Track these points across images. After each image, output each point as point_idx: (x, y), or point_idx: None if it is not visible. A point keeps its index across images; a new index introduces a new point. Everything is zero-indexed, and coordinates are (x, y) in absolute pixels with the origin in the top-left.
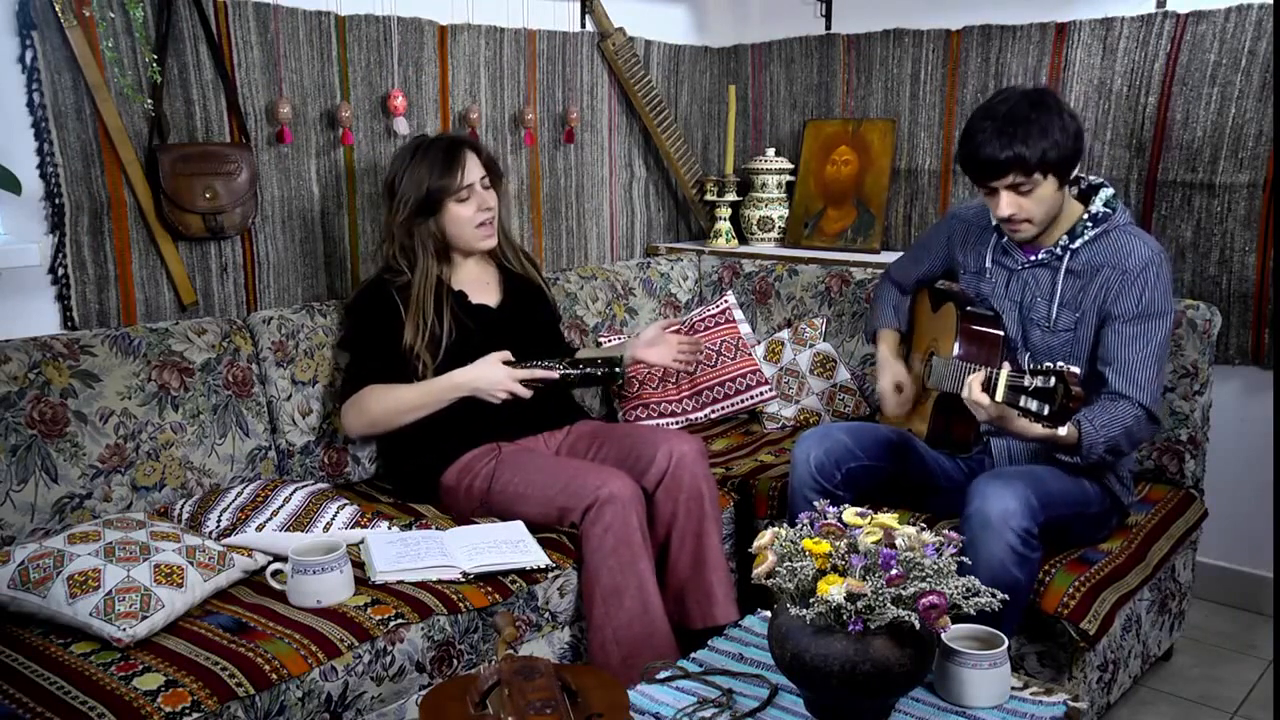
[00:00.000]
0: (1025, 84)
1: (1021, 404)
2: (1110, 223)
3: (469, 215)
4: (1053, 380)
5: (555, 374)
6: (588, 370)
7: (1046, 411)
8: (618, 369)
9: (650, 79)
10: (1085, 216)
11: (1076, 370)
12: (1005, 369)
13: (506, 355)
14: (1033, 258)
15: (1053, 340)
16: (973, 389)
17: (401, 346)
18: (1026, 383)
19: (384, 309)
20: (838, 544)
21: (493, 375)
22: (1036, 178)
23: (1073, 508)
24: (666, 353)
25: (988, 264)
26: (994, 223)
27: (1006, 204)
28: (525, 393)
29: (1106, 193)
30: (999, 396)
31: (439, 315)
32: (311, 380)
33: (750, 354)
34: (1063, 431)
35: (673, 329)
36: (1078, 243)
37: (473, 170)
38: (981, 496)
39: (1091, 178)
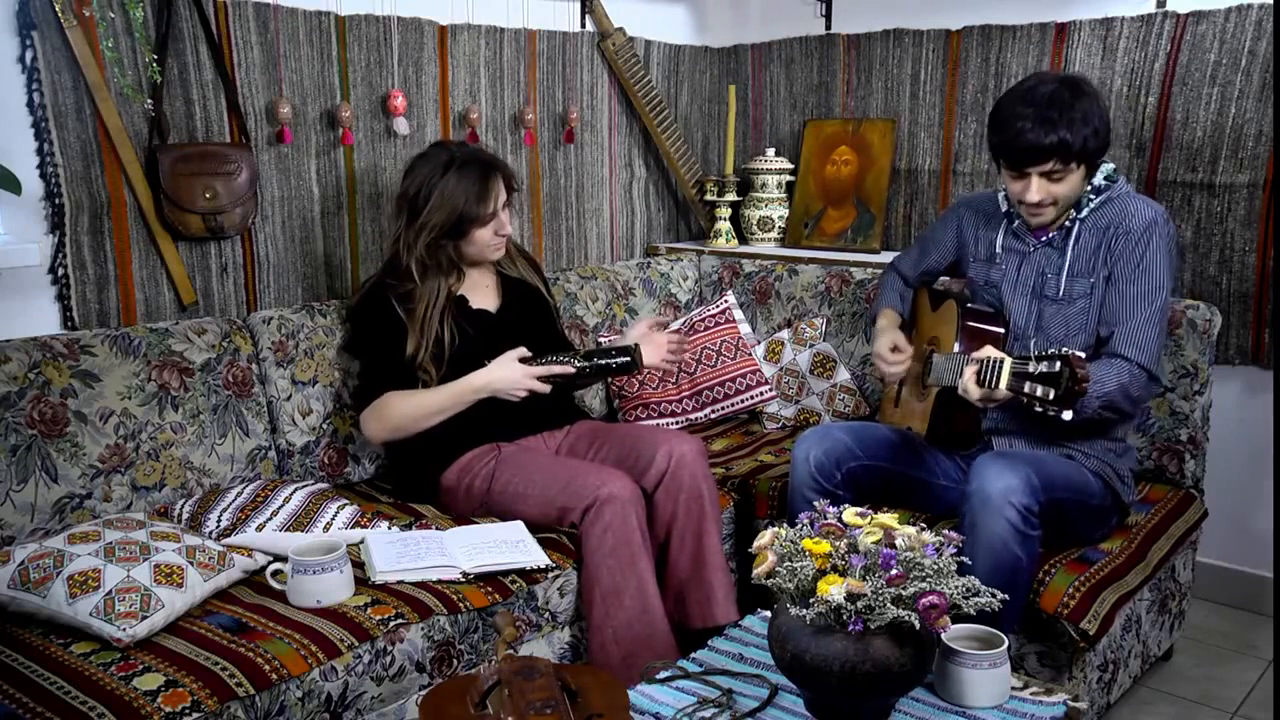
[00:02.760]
0: (1054, 71)
1: (1027, 390)
2: (1113, 191)
3: (488, 237)
4: (1058, 364)
5: (572, 368)
6: (603, 361)
7: (1052, 396)
8: (632, 356)
9: (650, 79)
10: (1089, 189)
11: (1081, 354)
12: (1008, 359)
13: (523, 352)
14: (1043, 239)
15: (1069, 311)
16: (968, 382)
17: (406, 354)
18: (1031, 369)
19: (388, 315)
20: (838, 544)
21: (510, 375)
22: (1073, 165)
23: (1073, 493)
24: (654, 352)
25: (998, 249)
26: (1004, 209)
27: (1037, 189)
28: (544, 388)
29: (1108, 167)
30: (1003, 384)
31: (441, 324)
32: (311, 380)
33: (750, 354)
34: (1068, 416)
35: (656, 326)
36: (1084, 212)
37: (500, 195)
38: (982, 476)
39: None
